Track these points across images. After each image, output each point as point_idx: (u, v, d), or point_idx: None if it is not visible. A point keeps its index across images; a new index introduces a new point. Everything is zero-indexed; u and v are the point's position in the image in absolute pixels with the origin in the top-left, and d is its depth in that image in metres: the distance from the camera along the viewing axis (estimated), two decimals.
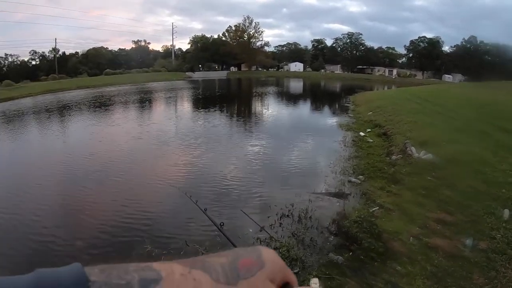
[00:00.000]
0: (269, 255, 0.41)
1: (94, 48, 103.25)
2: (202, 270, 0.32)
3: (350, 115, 17.41)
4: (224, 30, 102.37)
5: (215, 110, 21.63)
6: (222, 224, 2.36)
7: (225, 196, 6.71)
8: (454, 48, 74.62)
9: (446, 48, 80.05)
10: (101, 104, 26.26)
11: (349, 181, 7.12)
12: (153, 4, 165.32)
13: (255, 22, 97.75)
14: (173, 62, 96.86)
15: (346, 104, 22.71)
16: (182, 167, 8.88)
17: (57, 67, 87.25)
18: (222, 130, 14.35)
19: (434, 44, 79.12)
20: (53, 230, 5.63)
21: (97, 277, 0.30)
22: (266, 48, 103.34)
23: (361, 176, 7.31)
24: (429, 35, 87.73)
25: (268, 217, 5.58)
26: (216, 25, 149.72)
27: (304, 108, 23.75)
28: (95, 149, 11.00)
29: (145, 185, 7.50)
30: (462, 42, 72.70)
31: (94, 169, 8.65)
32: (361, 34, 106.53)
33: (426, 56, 77.87)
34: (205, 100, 27.90)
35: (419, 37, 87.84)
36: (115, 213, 6.12)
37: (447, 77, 68.68)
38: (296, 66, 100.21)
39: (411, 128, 11.21)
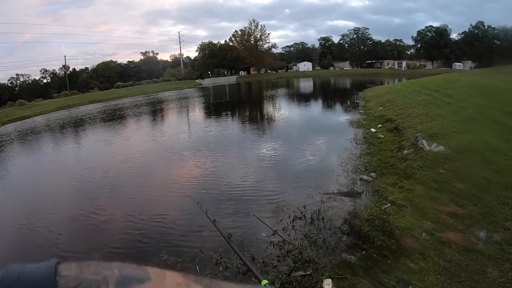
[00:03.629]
0: None
1: (103, 63, 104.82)
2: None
3: (360, 111, 17.32)
4: (231, 35, 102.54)
5: (227, 115, 21.83)
6: (229, 236, 2.39)
7: (238, 200, 6.76)
8: (462, 35, 73.37)
9: (454, 36, 78.79)
10: (115, 117, 26.73)
11: (361, 179, 7.09)
12: (155, 16, 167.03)
13: (261, 25, 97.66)
14: (182, 71, 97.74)
15: (356, 100, 22.61)
16: (196, 172, 8.98)
17: (68, 84, 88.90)
18: (233, 134, 14.46)
19: (441, 33, 78.03)
20: (67, 236, 5.76)
21: (68, 272, 0.28)
22: (274, 50, 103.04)
23: (373, 173, 7.27)
24: (436, 24, 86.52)
25: (281, 220, 5.61)
26: (220, 31, 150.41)
27: (315, 107, 23.70)
28: (111, 160, 11.19)
29: (159, 193, 7.60)
30: (469, 28, 71.51)
31: (110, 179, 8.80)
32: (367, 28, 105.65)
33: (434, 45, 76.84)
34: (216, 106, 28.10)
35: (426, 27, 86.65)
36: (130, 221, 6.23)
37: (457, 65, 67.72)
38: (305, 66, 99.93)
39: (421, 121, 11.10)
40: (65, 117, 34.26)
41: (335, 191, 6.72)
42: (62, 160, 13.64)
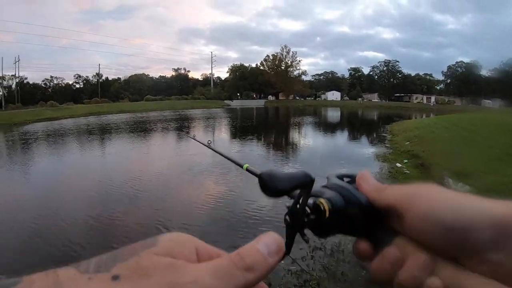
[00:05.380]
0: (171, 235, 0.35)
1: (135, 75, 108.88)
2: (74, 267, 0.28)
3: (387, 145, 17.24)
4: (262, 59, 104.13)
5: (251, 139, 22.16)
6: (209, 141, 2.38)
7: (257, 227, 6.80)
8: (492, 72, 72.16)
9: (484, 72, 77.66)
10: (139, 129, 27.64)
11: None
12: (189, 34, 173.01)
13: (292, 51, 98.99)
14: (212, 90, 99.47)
15: (383, 134, 22.53)
16: (214, 194, 9.04)
17: (100, 91, 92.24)
18: (257, 159, 14.57)
19: (471, 68, 77.10)
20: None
21: None
22: (303, 77, 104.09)
23: None
24: (466, 60, 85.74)
25: (300, 249, 5.64)
26: (251, 54, 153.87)
27: (341, 138, 23.72)
28: (135, 172, 11.42)
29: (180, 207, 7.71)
30: (500, 65, 70.47)
31: (134, 191, 8.97)
32: (397, 61, 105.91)
33: (464, 81, 75.82)
34: (242, 129, 28.53)
35: (456, 62, 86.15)
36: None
37: (487, 102, 66.40)
38: (334, 95, 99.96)
39: (448, 159, 11.02)
40: (91, 123, 35.70)
41: None
42: (73, 165, 14.31)
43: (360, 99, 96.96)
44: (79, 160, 16.00)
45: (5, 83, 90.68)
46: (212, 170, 11.73)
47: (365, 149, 17.17)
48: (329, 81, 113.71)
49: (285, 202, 0.49)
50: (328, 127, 31.47)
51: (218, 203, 8.33)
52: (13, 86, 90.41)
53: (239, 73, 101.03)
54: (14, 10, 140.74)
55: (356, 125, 35.78)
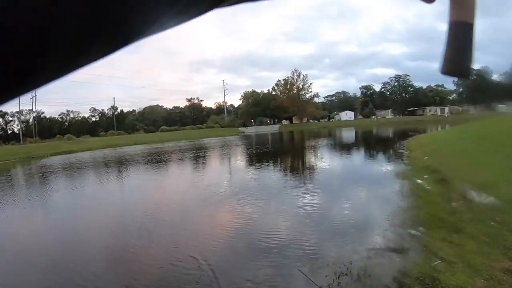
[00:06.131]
0: None
1: (149, 106, 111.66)
2: None
3: (405, 161, 17.05)
4: (274, 85, 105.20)
5: (268, 164, 22.26)
6: None
7: (279, 254, 6.70)
8: (503, 76, 71.38)
9: (495, 77, 76.88)
10: (155, 160, 28.15)
11: (409, 234, 6.94)
12: (199, 64, 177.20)
13: (303, 75, 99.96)
14: (226, 118, 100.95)
15: (400, 150, 22.33)
16: (231, 222, 8.97)
17: (116, 124, 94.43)
18: (273, 184, 14.51)
19: (482, 74, 76.36)
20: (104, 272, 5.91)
21: None
22: (316, 99, 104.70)
23: (421, 228, 7.08)
24: (476, 67, 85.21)
25: (326, 276, 5.54)
26: (262, 80, 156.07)
27: (357, 158, 23.53)
28: (155, 202, 11.47)
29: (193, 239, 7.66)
30: (511, 68, 69.72)
31: (148, 224, 8.97)
32: (408, 75, 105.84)
33: (476, 88, 75.09)
34: (258, 155, 28.67)
35: None
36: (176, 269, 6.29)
37: (502, 107, 65.34)
38: (347, 115, 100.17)
39: (469, 171, 10.82)
40: (108, 156, 36.44)
41: (382, 246, 6.60)
42: (89, 198, 14.51)
43: (374, 116, 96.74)
44: (95, 193, 16.29)
45: (22, 117, 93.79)
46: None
47: (383, 167, 17.01)
48: (341, 101, 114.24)
49: None
50: (344, 148, 31.36)
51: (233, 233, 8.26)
52: (30, 120, 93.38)
53: (252, 99, 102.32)
54: None
55: (372, 143, 35.53)
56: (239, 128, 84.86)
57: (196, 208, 11.48)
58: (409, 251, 6.15)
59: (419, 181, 11.68)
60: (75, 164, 30.34)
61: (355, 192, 12.00)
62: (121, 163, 28.77)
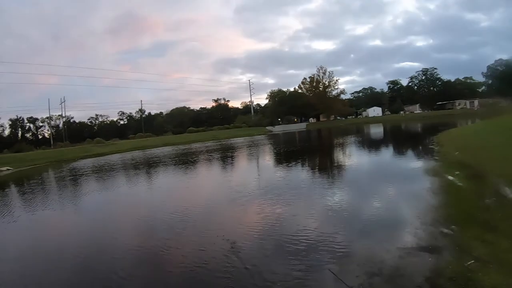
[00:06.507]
0: None
1: (177, 108, 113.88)
2: None
3: (435, 157, 16.71)
4: (300, 83, 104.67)
5: (296, 163, 22.47)
6: None
7: (308, 253, 6.74)
8: None
9: None
10: (184, 161, 28.75)
11: (441, 232, 6.83)
12: (225, 65, 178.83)
13: (329, 71, 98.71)
14: (253, 118, 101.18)
15: (429, 146, 21.90)
16: (258, 220, 8.96)
17: (144, 126, 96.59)
18: (301, 183, 14.49)
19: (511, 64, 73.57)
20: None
21: None
22: (342, 96, 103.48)
23: (453, 226, 6.96)
24: (505, 56, 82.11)
25: (357, 276, 5.53)
26: (287, 78, 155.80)
27: (386, 154, 23.22)
28: (180, 203, 11.65)
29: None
30: None
31: (178, 223, 9.11)
32: (435, 68, 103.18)
33: (507, 79, 72.46)
34: (286, 154, 28.92)
35: (495, 61, 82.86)
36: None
37: None
38: (375, 111, 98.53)
39: (502, 166, 10.52)
40: (137, 157, 37.32)
41: (413, 245, 6.52)
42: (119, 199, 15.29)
43: (402, 112, 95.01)
44: (126, 192, 16.89)
45: (52, 122, 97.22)
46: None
47: (413, 163, 16.77)
48: (368, 97, 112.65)
49: None
50: (373, 144, 31.03)
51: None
52: (60, 125, 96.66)
53: (278, 98, 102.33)
54: (58, 55, 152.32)
55: (401, 139, 35.00)
56: (267, 127, 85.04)
57: (225, 205, 11.60)
58: (441, 250, 6.06)
59: (450, 177, 11.43)
60: (105, 166, 31.26)
61: (385, 190, 11.87)
62: (150, 164, 29.43)
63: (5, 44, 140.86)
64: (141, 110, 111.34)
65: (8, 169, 35.64)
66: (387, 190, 11.87)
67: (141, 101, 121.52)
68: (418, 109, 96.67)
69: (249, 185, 14.94)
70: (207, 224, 9.63)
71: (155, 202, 14.09)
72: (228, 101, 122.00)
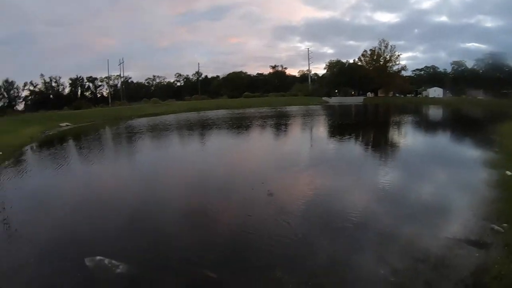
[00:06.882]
0: None
1: (234, 72, 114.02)
2: None
3: (495, 149, 16.08)
4: (360, 55, 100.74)
5: (349, 138, 22.61)
6: None
7: (357, 237, 6.95)
8: None
9: None
10: (236, 126, 29.48)
11: (491, 229, 6.80)
12: (283, 31, 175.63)
13: (391, 46, 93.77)
14: (310, 87, 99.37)
15: (490, 136, 20.98)
16: (305, 198, 9.24)
17: (200, 89, 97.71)
18: (352, 158, 14.62)
19: None
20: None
21: None
22: (403, 73, 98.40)
23: (505, 224, 6.89)
24: None
25: (402, 262, 5.71)
26: (347, 48, 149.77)
27: (443, 140, 22.53)
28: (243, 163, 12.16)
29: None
30: None
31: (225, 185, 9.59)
32: (505, 53, 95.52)
33: None
34: (341, 128, 29.07)
35: None
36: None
37: None
38: (435, 92, 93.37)
39: None
40: (191, 118, 38.63)
41: (462, 238, 6.56)
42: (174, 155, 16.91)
43: (464, 96, 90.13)
44: (181, 151, 17.84)
45: (111, 82, 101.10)
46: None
47: (469, 152, 16.29)
48: (430, 76, 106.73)
49: None
50: (432, 128, 30.05)
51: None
52: (118, 85, 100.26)
53: (337, 69, 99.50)
54: (116, 17, 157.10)
55: (461, 126, 33.56)
56: (323, 98, 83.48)
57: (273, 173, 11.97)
58: (489, 247, 6.07)
59: (508, 172, 11.08)
60: (159, 125, 32.61)
61: (438, 177, 11.75)
62: (204, 126, 30.36)
63: (66, 6, 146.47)
64: (198, 73, 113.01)
65: (68, 125, 37.63)
66: (440, 177, 11.77)
67: (198, 63, 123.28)
68: (482, 95, 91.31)
69: (298, 157, 15.25)
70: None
71: (207, 164, 14.84)
72: (285, 68, 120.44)
